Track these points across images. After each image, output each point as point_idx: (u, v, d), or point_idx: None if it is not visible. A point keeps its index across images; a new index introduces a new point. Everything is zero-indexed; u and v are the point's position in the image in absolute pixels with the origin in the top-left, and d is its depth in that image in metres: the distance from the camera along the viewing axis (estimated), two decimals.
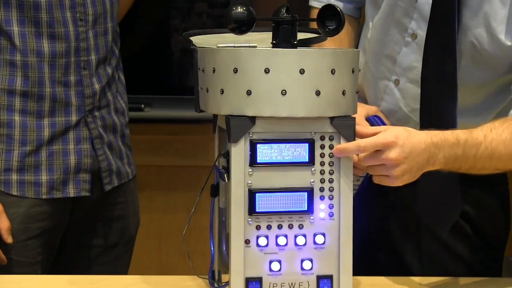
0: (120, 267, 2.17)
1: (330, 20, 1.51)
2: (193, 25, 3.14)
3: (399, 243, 1.93)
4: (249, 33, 1.49)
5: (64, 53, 1.95)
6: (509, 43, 1.74)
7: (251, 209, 1.50)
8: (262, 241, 1.51)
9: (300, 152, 1.51)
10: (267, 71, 1.46)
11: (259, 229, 1.51)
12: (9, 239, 1.92)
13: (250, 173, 1.50)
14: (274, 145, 1.50)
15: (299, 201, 1.51)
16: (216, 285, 1.65)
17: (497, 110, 1.83)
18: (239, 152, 1.49)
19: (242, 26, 1.48)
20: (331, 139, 1.52)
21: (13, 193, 1.95)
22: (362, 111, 1.85)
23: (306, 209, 1.51)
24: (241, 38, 1.54)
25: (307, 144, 1.51)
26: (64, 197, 1.99)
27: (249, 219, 1.50)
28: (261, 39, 1.61)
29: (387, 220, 1.94)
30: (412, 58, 1.84)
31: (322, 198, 1.52)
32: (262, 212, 1.50)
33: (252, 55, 1.47)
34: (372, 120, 1.86)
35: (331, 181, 1.52)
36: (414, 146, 1.55)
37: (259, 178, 1.50)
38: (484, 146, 1.62)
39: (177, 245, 3.18)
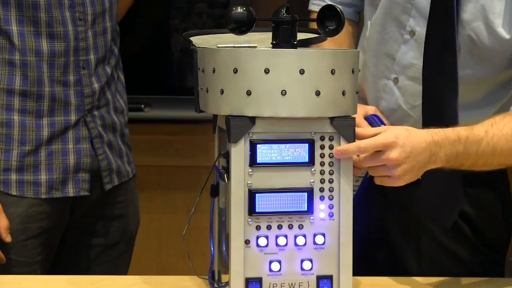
0: (120, 267, 2.17)
1: (330, 21, 1.50)
2: (193, 25, 3.14)
3: (398, 243, 1.93)
4: (249, 33, 1.49)
5: (63, 52, 1.95)
6: (507, 36, 1.74)
7: (251, 209, 1.50)
8: (262, 241, 1.51)
9: (300, 152, 1.51)
10: (267, 71, 1.46)
11: (259, 229, 1.51)
12: (8, 238, 1.92)
13: (250, 173, 1.50)
14: (274, 145, 1.50)
15: (299, 202, 1.51)
16: (216, 285, 1.64)
17: (498, 106, 1.83)
18: (239, 152, 1.49)
19: (242, 26, 1.48)
20: (331, 139, 1.52)
21: (12, 193, 1.95)
22: (361, 111, 1.85)
23: (306, 209, 1.51)
24: (241, 38, 1.53)
25: (307, 144, 1.51)
26: (64, 196, 1.99)
27: (249, 219, 1.50)
28: (261, 39, 1.60)
29: (386, 220, 1.94)
30: (411, 55, 1.83)
31: (322, 198, 1.52)
32: (262, 212, 1.50)
33: (252, 55, 1.47)
34: (371, 119, 1.86)
35: (331, 181, 1.52)
36: (415, 145, 1.55)
37: (259, 178, 1.50)
38: (485, 142, 1.61)
39: (177, 245, 3.18)
